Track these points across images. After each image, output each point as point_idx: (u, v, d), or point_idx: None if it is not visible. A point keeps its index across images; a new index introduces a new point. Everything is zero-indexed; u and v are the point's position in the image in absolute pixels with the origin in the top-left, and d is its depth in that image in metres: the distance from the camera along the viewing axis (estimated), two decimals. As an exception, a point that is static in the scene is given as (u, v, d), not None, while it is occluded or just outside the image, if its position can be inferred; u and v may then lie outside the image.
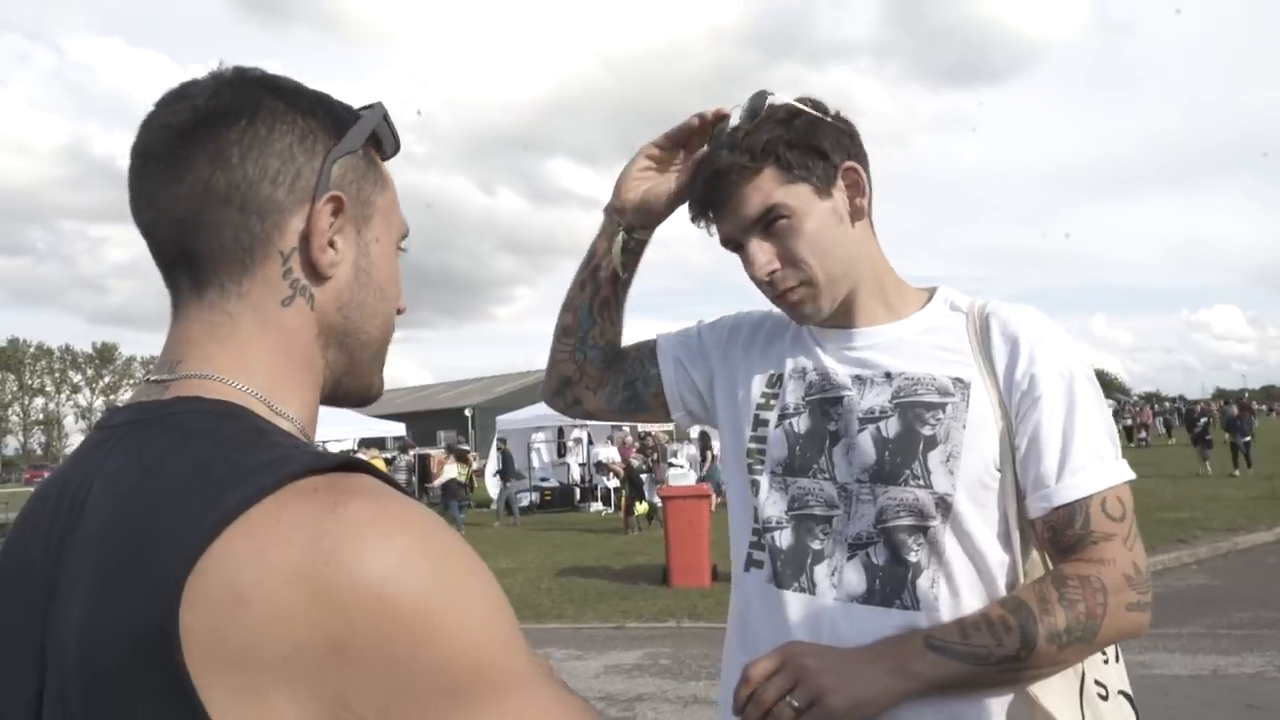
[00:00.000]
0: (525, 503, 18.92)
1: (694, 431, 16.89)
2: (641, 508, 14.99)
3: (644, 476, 15.79)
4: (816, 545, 1.23)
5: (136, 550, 0.57)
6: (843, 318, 1.29)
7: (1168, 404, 51.57)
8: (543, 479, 20.87)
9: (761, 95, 1.22)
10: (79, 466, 0.67)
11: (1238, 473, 17.71)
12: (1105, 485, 1.16)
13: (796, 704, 1.06)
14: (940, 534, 1.18)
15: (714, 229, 1.27)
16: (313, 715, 0.54)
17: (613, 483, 18.31)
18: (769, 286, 1.24)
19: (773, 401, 1.32)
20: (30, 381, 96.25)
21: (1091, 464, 1.16)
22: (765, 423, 1.31)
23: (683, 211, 1.33)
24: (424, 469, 20.03)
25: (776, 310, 1.32)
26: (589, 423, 18.85)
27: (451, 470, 16.86)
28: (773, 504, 1.27)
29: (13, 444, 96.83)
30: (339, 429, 18.71)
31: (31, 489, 0.96)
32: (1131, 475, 1.19)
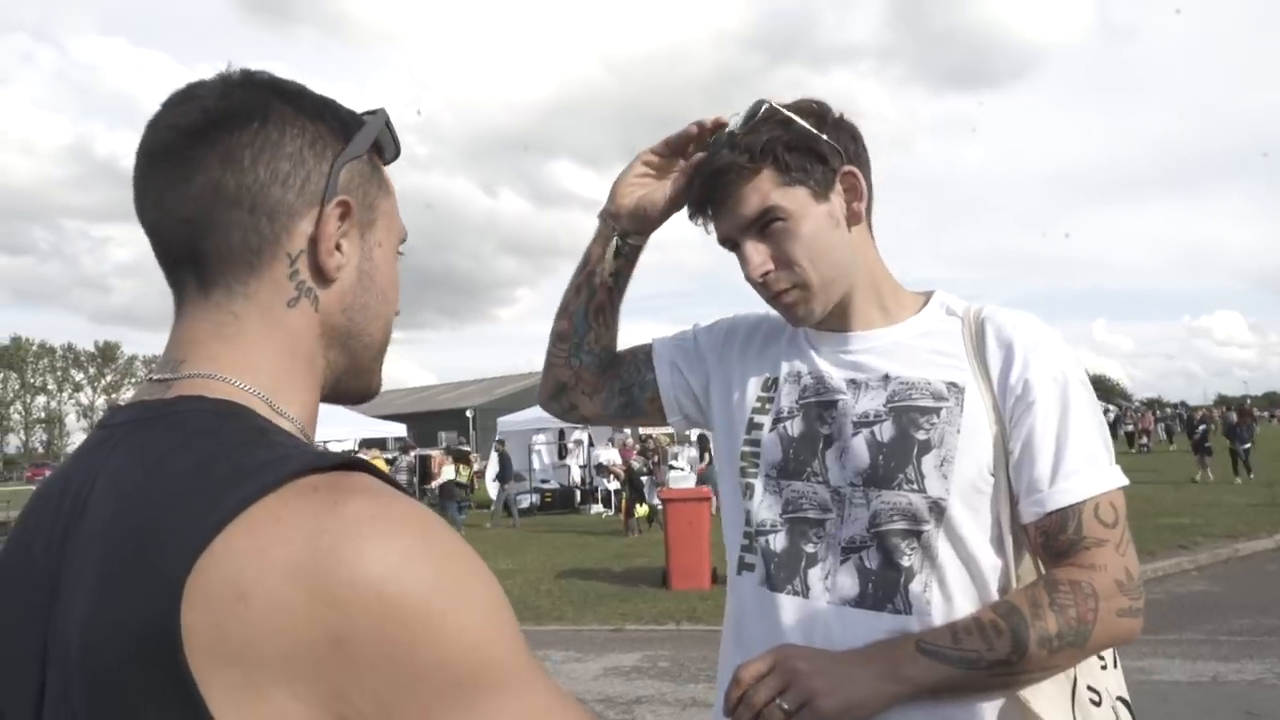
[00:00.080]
0: (525, 504, 18.91)
1: (694, 434, 16.89)
2: (642, 510, 14.98)
3: (644, 479, 15.79)
4: (810, 549, 1.24)
5: (139, 549, 0.58)
6: (838, 321, 1.29)
7: (1169, 410, 51.51)
8: (543, 481, 20.87)
9: (760, 104, 1.23)
10: (81, 465, 0.67)
11: (1239, 480, 17.68)
12: (1098, 491, 1.16)
13: (787, 706, 1.07)
14: (933, 538, 1.18)
15: (711, 227, 1.28)
16: (313, 711, 0.54)
17: (613, 485, 18.28)
18: (763, 288, 1.24)
19: (768, 405, 1.32)
20: (32, 380, 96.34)
21: (1085, 469, 1.16)
22: (760, 426, 1.31)
23: (681, 214, 1.34)
24: (425, 470, 20.03)
25: (773, 313, 1.32)
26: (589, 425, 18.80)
27: (449, 471, 16.84)
28: (767, 507, 1.28)
29: (14, 442, 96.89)
30: (340, 429, 18.71)
31: (33, 487, 0.97)
32: (1125, 481, 1.19)
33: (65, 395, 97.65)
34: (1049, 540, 1.17)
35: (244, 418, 0.66)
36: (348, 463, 0.62)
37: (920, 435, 1.20)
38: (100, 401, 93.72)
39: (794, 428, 1.29)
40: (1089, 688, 1.20)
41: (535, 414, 19.09)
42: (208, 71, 0.73)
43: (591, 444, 20.41)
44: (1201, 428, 19.94)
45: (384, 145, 0.78)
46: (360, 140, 0.75)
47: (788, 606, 1.22)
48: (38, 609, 0.63)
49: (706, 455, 16.50)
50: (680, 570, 9.22)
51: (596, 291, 1.40)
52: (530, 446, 20.64)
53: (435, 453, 21.74)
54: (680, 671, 6.48)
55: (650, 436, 18.65)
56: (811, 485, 1.25)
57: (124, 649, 0.56)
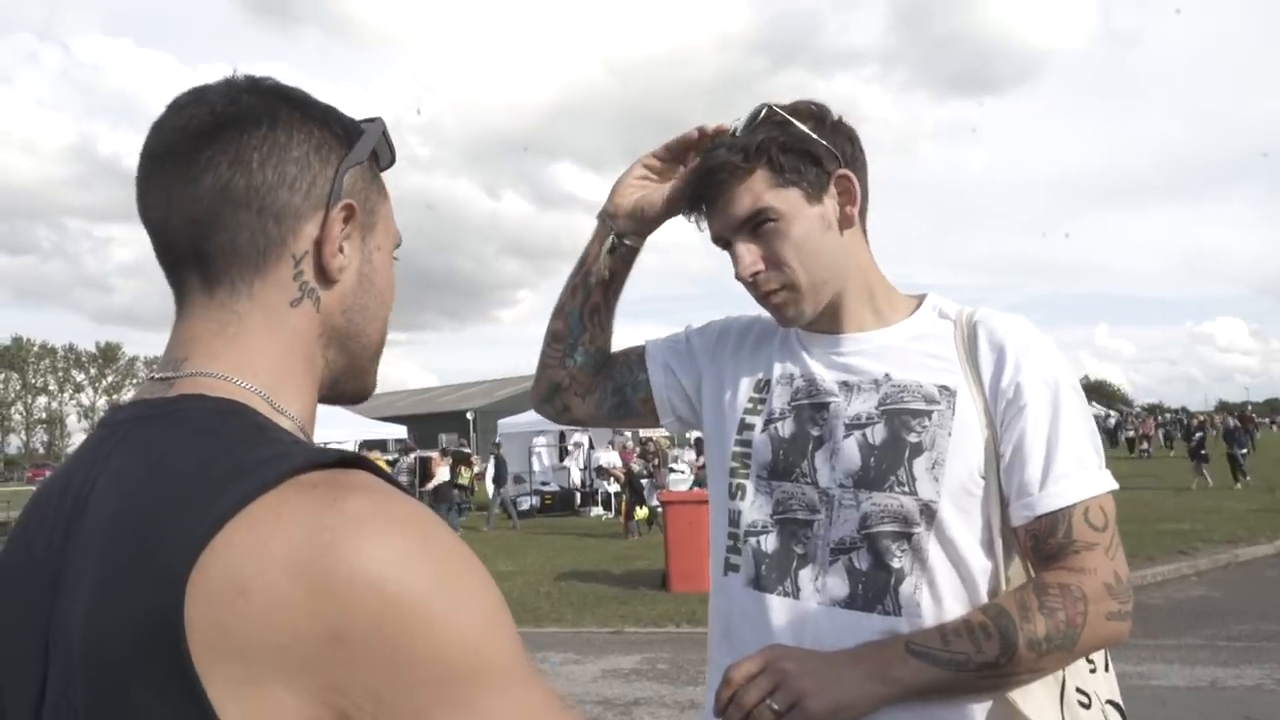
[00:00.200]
0: (526, 506, 18.90)
1: (693, 436, 16.88)
2: (642, 512, 14.97)
3: (644, 481, 15.78)
4: (800, 550, 1.24)
5: (141, 545, 0.59)
6: (831, 323, 1.30)
7: (1169, 416, 51.42)
8: (543, 483, 20.86)
9: (762, 108, 1.24)
10: (84, 462, 0.68)
11: (1239, 485, 17.66)
12: (1088, 495, 1.17)
13: (776, 707, 1.07)
14: (924, 540, 1.19)
15: (704, 225, 1.29)
16: (310, 706, 0.55)
17: (613, 487, 18.28)
18: (753, 287, 1.25)
19: (760, 406, 1.33)
20: (33, 380, 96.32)
21: (1075, 473, 1.17)
22: (751, 427, 1.32)
23: (680, 217, 1.35)
24: (425, 472, 20.02)
25: (765, 314, 1.33)
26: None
27: (444, 473, 16.79)
28: (758, 508, 1.28)
29: (15, 443, 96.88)
30: (340, 430, 18.67)
31: (33, 488, 0.98)
32: (1114, 485, 1.20)
33: (66, 396, 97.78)
34: (1039, 543, 1.18)
35: (245, 415, 0.67)
36: (348, 460, 0.63)
37: (912, 438, 1.21)
38: (101, 402, 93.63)
39: (785, 429, 1.29)
40: (1078, 690, 1.21)
41: (536, 416, 18.49)
42: (211, 72, 0.76)
43: (592, 446, 20.42)
44: (1198, 435, 19.88)
45: (381, 152, 0.80)
46: (362, 146, 0.77)
47: (778, 607, 1.23)
48: (40, 606, 0.63)
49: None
50: (680, 573, 9.21)
51: (592, 292, 1.41)
52: (531, 449, 20.64)
53: (436, 454, 21.73)
54: (679, 674, 6.48)
55: (650, 439, 18.65)
56: (800, 486, 1.26)
57: (126, 644, 0.57)
